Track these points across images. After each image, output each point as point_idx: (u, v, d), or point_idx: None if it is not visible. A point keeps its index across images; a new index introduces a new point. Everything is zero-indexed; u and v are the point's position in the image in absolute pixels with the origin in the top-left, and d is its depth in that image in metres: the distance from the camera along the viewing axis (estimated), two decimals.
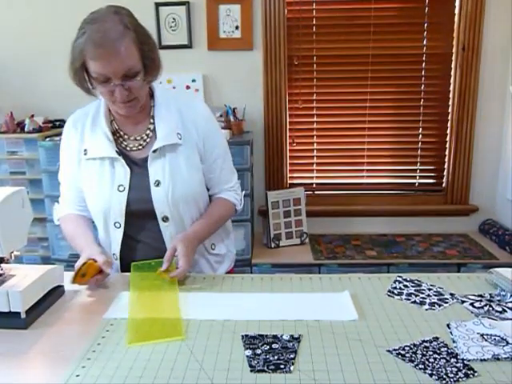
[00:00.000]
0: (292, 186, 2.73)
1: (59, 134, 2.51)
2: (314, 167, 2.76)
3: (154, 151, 1.26)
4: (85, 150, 1.30)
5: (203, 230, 1.31)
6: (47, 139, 2.43)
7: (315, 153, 2.73)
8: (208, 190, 1.40)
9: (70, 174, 1.36)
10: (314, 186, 2.78)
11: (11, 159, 2.49)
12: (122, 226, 1.28)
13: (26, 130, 2.50)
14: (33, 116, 2.55)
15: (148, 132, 1.30)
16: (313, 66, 2.62)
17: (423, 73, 2.59)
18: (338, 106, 2.67)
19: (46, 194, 2.44)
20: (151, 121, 1.30)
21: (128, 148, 1.30)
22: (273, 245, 2.54)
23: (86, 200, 1.33)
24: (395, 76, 2.60)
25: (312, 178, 2.78)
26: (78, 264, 1.15)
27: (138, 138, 1.31)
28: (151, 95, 1.32)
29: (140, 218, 1.29)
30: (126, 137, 1.31)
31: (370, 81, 2.60)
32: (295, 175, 2.77)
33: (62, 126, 2.64)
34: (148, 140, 1.30)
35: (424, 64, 2.58)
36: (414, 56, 2.58)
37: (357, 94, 2.63)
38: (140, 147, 1.30)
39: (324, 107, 2.67)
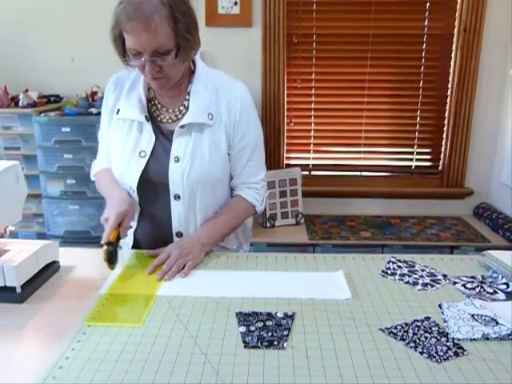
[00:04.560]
0: (288, 166, 2.72)
1: (54, 110, 2.49)
2: (311, 148, 2.75)
3: (182, 127, 1.24)
4: (118, 110, 1.30)
5: (211, 233, 1.25)
6: (42, 114, 2.40)
7: (312, 133, 2.72)
8: (230, 179, 1.35)
9: (104, 132, 1.37)
10: (311, 166, 2.78)
11: (5, 134, 2.47)
12: (135, 192, 1.27)
13: (20, 104, 2.47)
14: (27, 91, 2.52)
15: (182, 108, 1.28)
16: (312, 44, 2.58)
17: (423, 54, 2.56)
18: (337, 85, 2.64)
19: (40, 170, 2.42)
20: (187, 97, 1.28)
21: (159, 118, 1.29)
22: (268, 224, 2.55)
23: (111, 160, 1.34)
24: (395, 56, 2.57)
25: (309, 158, 2.77)
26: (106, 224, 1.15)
27: (171, 110, 1.29)
28: (193, 71, 1.30)
29: (153, 190, 1.28)
30: (159, 106, 1.30)
31: (369, 61, 2.57)
32: (292, 155, 2.77)
33: (56, 102, 2.62)
34: (180, 115, 1.28)
35: (424, 45, 2.54)
36: (415, 36, 2.54)
37: (356, 74, 2.61)
38: (170, 120, 1.29)
39: (322, 87, 2.65)
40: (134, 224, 1.33)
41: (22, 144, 2.48)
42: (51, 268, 1.13)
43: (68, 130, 2.35)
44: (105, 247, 1.09)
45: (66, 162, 2.39)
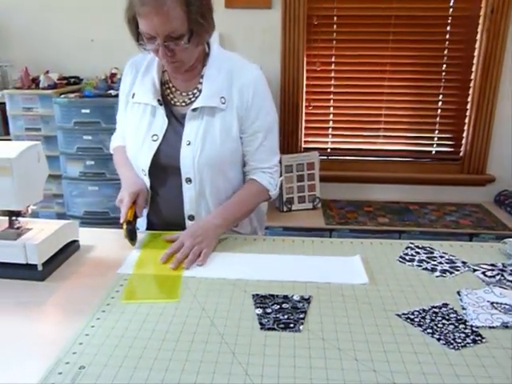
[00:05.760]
0: (306, 150, 2.70)
1: (74, 91, 2.51)
2: (330, 132, 2.72)
3: (194, 110, 1.24)
4: (133, 94, 1.31)
5: (224, 214, 1.24)
6: (62, 96, 2.42)
7: (331, 117, 2.69)
8: (244, 165, 1.34)
9: (120, 112, 1.39)
10: (329, 150, 2.76)
11: (26, 115, 2.50)
12: (147, 175, 1.28)
13: (40, 86, 2.49)
14: (47, 72, 2.54)
15: (195, 91, 1.28)
16: (333, 26, 2.54)
17: (447, 36, 2.50)
18: (357, 68, 2.60)
19: (60, 151, 2.46)
20: (200, 80, 1.27)
21: (173, 101, 1.29)
22: (285, 208, 2.54)
23: (125, 142, 1.36)
24: (418, 39, 2.52)
25: (327, 142, 2.75)
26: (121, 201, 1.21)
27: (185, 94, 1.29)
28: (208, 53, 1.28)
29: (165, 174, 1.28)
30: (173, 89, 1.30)
31: (391, 43, 2.52)
32: (310, 139, 2.75)
33: (76, 83, 2.64)
34: (193, 98, 1.27)
35: (449, 27, 2.48)
36: (439, 18, 2.48)
37: (377, 57, 2.56)
38: (183, 104, 1.28)
39: (342, 70, 2.61)
40: (147, 205, 1.34)
41: (43, 125, 2.51)
42: (71, 247, 1.15)
43: (87, 111, 2.37)
44: (125, 226, 1.16)
45: (86, 144, 2.42)
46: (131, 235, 1.17)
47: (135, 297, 0.95)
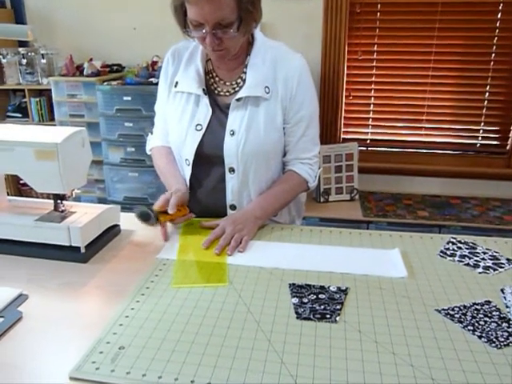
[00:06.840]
0: (345, 140, 2.67)
1: (116, 79, 2.56)
2: (370, 122, 2.67)
3: (238, 100, 1.24)
4: (176, 83, 1.31)
5: (264, 206, 1.24)
6: (105, 83, 2.48)
7: (372, 107, 2.64)
8: (284, 154, 1.34)
9: (161, 104, 1.38)
10: (368, 141, 2.71)
11: (71, 102, 2.58)
12: (191, 164, 1.29)
13: (84, 73, 2.56)
14: (91, 60, 2.60)
15: (239, 80, 1.28)
16: (376, 14, 2.48)
17: (498, 24, 2.39)
18: (400, 57, 2.53)
19: (102, 138, 2.52)
20: (244, 70, 1.27)
21: (216, 91, 1.29)
22: (322, 199, 2.52)
23: (168, 131, 1.36)
24: (466, 27, 2.42)
25: (367, 133, 2.70)
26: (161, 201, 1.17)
27: (229, 83, 1.29)
28: (251, 42, 1.28)
29: (208, 163, 1.29)
30: (217, 79, 1.30)
31: (437, 31, 2.44)
32: (349, 130, 2.70)
33: (118, 71, 2.69)
34: (237, 88, 1.27)
35: (500, 14, 2.37)
36: (490, 5, 2.37)
37: (421, 45, 2.49)
38: (227, 93, 1.28)
39: (385, 59, 2.55)
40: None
41: (86, 111, 2.58)
42: (113, 231, 1.18)
43: (129, 98, 2.42)
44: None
45: (127, 130, 2.47)
46: (142, 215, 1.13)
47: (185, 281, 0.97)
